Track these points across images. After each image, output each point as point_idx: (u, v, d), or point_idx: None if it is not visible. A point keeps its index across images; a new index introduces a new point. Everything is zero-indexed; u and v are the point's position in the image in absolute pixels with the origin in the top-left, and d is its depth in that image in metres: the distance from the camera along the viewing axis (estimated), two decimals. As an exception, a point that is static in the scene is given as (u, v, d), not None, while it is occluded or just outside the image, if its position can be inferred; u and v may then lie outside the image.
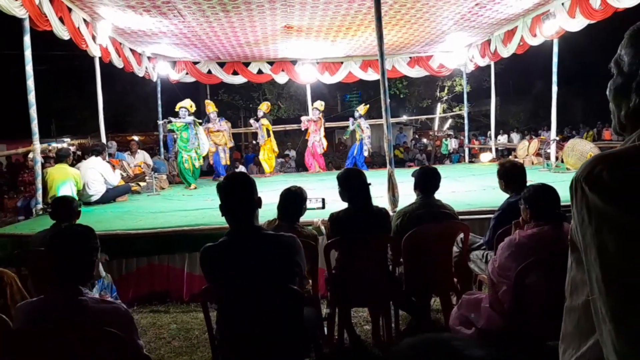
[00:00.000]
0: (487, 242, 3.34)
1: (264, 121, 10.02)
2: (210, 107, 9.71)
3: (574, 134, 18.19)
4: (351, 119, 10.50)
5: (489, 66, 11.08)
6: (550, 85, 8.74)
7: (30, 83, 5.85)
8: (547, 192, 2.50)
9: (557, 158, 8.67)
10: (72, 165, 6.76)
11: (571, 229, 0.88)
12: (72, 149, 9.05)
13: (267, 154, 10.20)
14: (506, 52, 9.23)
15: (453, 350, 0.61)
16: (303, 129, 10.78)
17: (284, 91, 19.36)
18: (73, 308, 1.67)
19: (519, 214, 2.75)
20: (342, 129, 22.81)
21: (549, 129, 15.30)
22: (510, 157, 11.89)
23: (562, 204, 2.59)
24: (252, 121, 10.41)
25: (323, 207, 3.46)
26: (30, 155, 6.62)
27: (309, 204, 3.77)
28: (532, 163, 9.00)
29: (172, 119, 8.38)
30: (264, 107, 10.29)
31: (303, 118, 10.77)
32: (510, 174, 3.39)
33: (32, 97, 5.85)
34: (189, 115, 8.37)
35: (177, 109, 8.41)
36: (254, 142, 10.45)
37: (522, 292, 2.35)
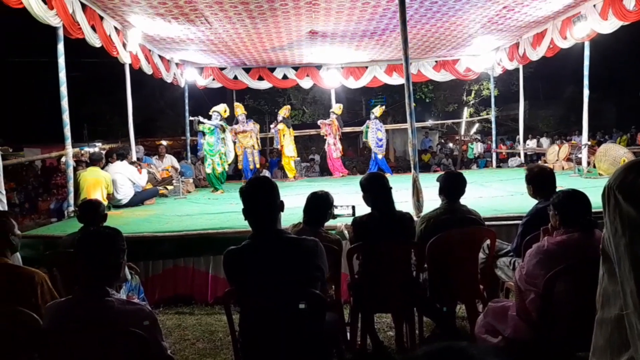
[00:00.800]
0: (514, 248, 3.26)
1: (280, 126, 10.00)
2: (239, 110, 9.75)
3: (606, 139, 17.63)
4: (368, 121, 10.44)
5: (517, 70, 10.88)
6: (581, 89, 8.51)
7: (64, 89, 6.04)
8: (577, 198, 2.42)
9: (588, 163, 8.42)
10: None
11: (603, 238, 0.85)
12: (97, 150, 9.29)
13: (285, 159, 10.20)
14: (535, 55, 9.04)
15: (470, 359, 0.59)
16: (321, 134, 10.72)
17: (308, 96, 19.45)
18: (99, 309, 1.71)
19: (547, 220, 2.67)
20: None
21: (580, 133, 14.91)
22: (539, 162, 11.61)
23: (593, 210, 2.51)
24: (272, 126, 10.44)
25: (353, 214, 3.41)
26: (63, 159, 6.83)
27: (338, 211, 3.74)
28: (563, 168, 8.76)
29: (202, 119, 8.39)
30: (283, 111, 10.25)
31: (320, 122, 10.72)
32: (539, 179, 3.30)
33: (65, 102, 6.05)
34: (221, 119, 8.43)
35: (210, 112, 8.48)
36: (278, 147, 10.43)
37: (550, 301, 2.29)
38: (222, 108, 8.54)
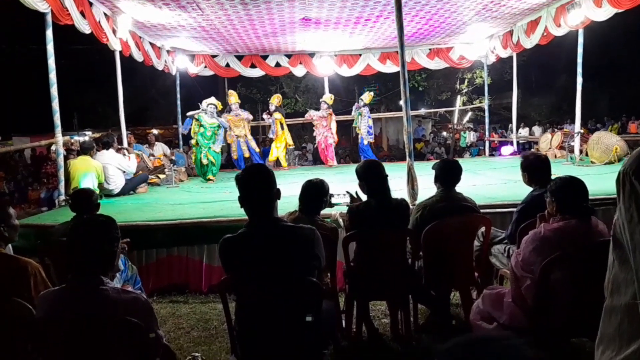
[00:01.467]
0: (509, 235, 3.27)
1: (277, 115, 9.89)
2: (233, 98, 9.53)
3: (598, 127, 17.73)
4: (355, 105, 10.35)
5: (510, 58, 10.84)
6: (574, 78, 8.51)
7: (53, 76, 5.94)
8: (574, 185, 2.42)
9: (581, 151, 8.46)
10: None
11: (615, 224, 0.83)
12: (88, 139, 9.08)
13: (280, 148, 10.07)
14: (529, 43, 9.01)
15: (508, 350, 0.57)
16: (315, 125, 10.58)
17: (301, 84, 19.32)
18: (94, 297, 1.68)
19: (542, 208, 2.68)
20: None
21: (572, 122, 14.95)
22: (532, 150, 11.66)
23: (590, 197, 2.52)
24: (265, 116, 10.27)
25: (351, 201, 3.39)
26: (53, 148, 6.73)
27: (335, 199, 3.72)
28: (555, 156, 8.79)
29: (204, 112, 8.22)
30: (275, 100, 10.09)
31: (312, 113, 10.52)
32: (535, 167, 3.30)
33: (54, 90, 5.94)
34: (217, 114, 8.36)
35: (205, 106, 8.25)
36: (270, 136, 10.29)
37: (547, 288, 2.29)
38: (215, 100, 8.40)
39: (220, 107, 8.47)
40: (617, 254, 0.82)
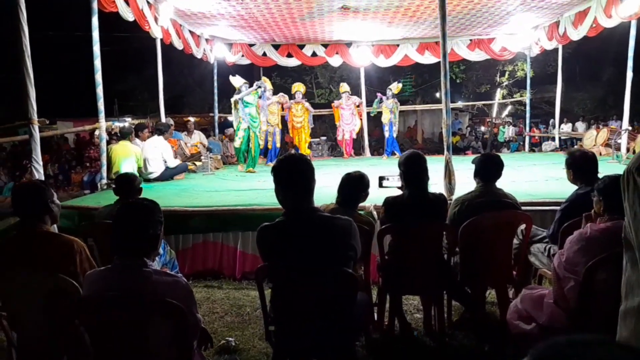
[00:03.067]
0: (551, 235, 3.16)
1: (306, 103, 9.81)
2: (267, 85, 9.25)
3: (646, 125, 16.91)
4: (382, 97, 10.10)
5: (553, 50, 10.43)
6: (621, 71, 8.12)
7: (97, 63, 6.11)
8: (624, 184, 2.32)
9: (628, 149, 8.08)
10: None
11: (624, 226, 0.79)
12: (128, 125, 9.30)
13: (305, 138, 9.99)
14: (576, 34, 8.63)
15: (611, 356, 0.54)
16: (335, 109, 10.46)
17: (336, 74, 19.22)
18: (138, 279, 1.73)
19: (588, 207, 2.58)
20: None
21: (619, 118, 14.30)
22: (575, 146, 11.24)
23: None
24: (291, 102, 9.98)
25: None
26: (97, 133, 6.97)
27: (387, 182, 3.73)
28: (600, 154, 8.43)
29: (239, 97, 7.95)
30: (301, 87, 9.92)
31: (336, 103, 10.51)
32: (581, 164, 3.18)
33: (98, 76, 6.12)
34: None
35: (238, 86, 8.01)
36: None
37: (591, 289, 2.21)
38: (242, 80, 8.13)
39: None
40: (629, 255, 0.78)
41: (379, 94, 10.36)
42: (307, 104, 9.95)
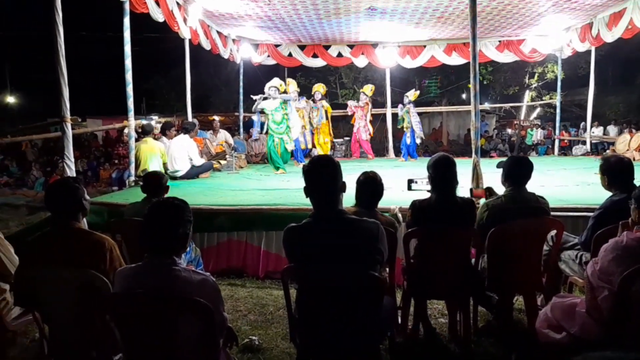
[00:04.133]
0: (583, 242, 3.07)
1: (325, 103, 9.77)
2: (292, 86, 9.20)
3: (682, 129, 16.28)
4: (400, 105, 10.10)
5: (585, 53, 10.15)
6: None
7: (128, 62, 6.25)
8: (663, 192, 2.23)
9: (663, 155, 7.82)
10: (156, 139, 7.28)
11: None
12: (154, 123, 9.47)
13: (324, 138, 9.96)
14: (610, 36, 8.38)
15: None
16: (350, 114, 10.44)
17: (360, 75, 19.15)
18: (167, 277, 1.76)
19: (622, 215, 2.49)
20: (419, 115, 22.30)
21: (653, 122, 13.85)
22: (607, 151, 10.92)
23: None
24: (309, 102, 9.86)
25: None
26: (126, 131, 7.13)
27: (416, 185, 3.73)
28: (634, 159, 8.17)
29: (263, 101, 7.85)
30: (321, 88, 9.90)
31: (350, 103, 10.49)
32: (616, 171, 3.07)
33: (129, 76, 6.26)
34: (280, 94, 7.92)
35: (267, 89, 7.90)
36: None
37: (626, 300, 2.14)
38: (277, 82, 8.07)
39: (282, 88, 8.10)
40: None
41: (400, 105, 10.32)
42: (325, 104, 9.91)
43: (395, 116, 11.04)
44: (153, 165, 6.56)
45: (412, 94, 9.99)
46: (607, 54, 15.68)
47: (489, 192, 3.60)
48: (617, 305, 2.15)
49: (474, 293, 3.13)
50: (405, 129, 10.00)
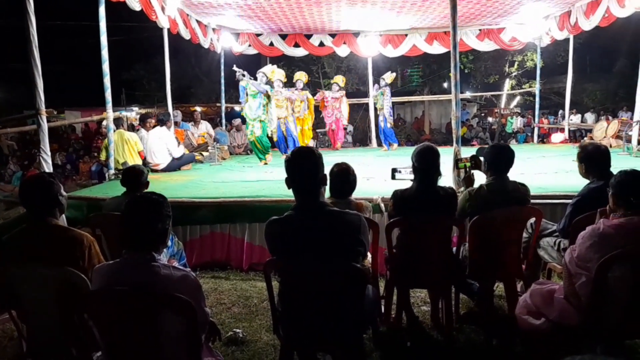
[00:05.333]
0: (561, 229, 3.13)
1: (308, 94, 9.44)
2: (277, 75, 8.56)
3: (657, 116, 16.65)
4: (376, 85, 9.97)
5: (563, 41, 10.26)
6: (633, 62, 7.98)
7: (105, 53, 6.10)
8: (639, 179, 2.27)
9: (639, 141, 7.97)
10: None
11: None
12: (133, 115, 9.28)
13: (306, 127, 9.53)
14: (588, 24, 8.48)
15: None
16: (318, 101, 10.10)
17: (343, 64, 19.08)
18: (146, 273, 1.73)
19: (600, 202, 2.54)
20: (401, 104, 22.36)
21: (629, 109, 14.11)
22: (585, 138, 11.12)
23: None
24: (293, 91, 9.32)
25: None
26: (104, 123, 7.00)
27: (399, 175, 3.75)
28: (611, 145, 8.31)
29: (249, 78, 7.59)
30: (303, 77, 9.43)
31: (326, 93, 10.23)
32: (593, 158, 3.12)
33: (106, 66, 6.11)
34: (267, 82, 7.73)
35: (258, 75, 7.68)
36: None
37: (603, 286, 2.18)
38: (269, 69, 7.83)
39: (272, 75, 7.86)
40: None
41: (375, 85, 10.18)
42: (307, 94, 9.58)
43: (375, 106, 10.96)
44: (127, 154, 6.57)
45: (388, 77, 9.86)
46: (585, 42, 15.90)
47: (474, 160, 3.60)
48: (594, 291, 2.19)
49: (455, 281, 3.18)
50: (379, 111, 9.89)
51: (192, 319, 1.68)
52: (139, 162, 6.68)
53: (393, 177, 4.12)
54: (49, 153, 4.81)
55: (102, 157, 7.00)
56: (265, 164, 7.65)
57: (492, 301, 3.45)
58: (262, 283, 4.09)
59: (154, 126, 7.26)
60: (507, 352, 2.96)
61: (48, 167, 4.70)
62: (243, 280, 4.39)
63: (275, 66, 8.02)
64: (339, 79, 10.20)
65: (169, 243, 3.10)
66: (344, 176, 3.11)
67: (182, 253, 3.43)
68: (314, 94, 10.15)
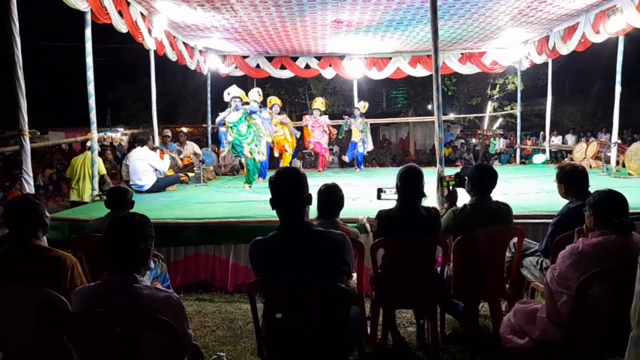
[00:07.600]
0: (543, 249, 3.17)
1: (286, 118, 9.25)
2: (252, 95, 7.77)
3: (635, 138, 17.12)
4: (348, 118, 10.03)
5: (543, 64, 10.58)
6: (610, 85, 8.24)
7: (90, 74, 6.10)
8: (614, 198, 2.34)
9: (617, 162, 8.18)
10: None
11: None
12: (125, 138, 9.30)
13: (287, 149, 9.35)
14: (565, 49, 8.77)
15: None
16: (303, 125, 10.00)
17: (329, 86, 19.34)
18: (128, 295, 1.71)
19: (579, 221, 2.59)
20: (387, 125, 22.63)
21: (607, 131, 14.48)
22: (566, 159, 11.36)
23: (630, 211, 2.43)
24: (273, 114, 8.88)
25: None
26: (88, 144, 6.95)
27: (385, 195, 3.79)
28: (590, 166, 8.51)
29: (226, 118, 7.19)
30: (277, 101, 9.23)
31: (307, 117, 10.02)
32: (571, 178, 3.20)
33: (91, 87, 6.11)
34: (243, 104, 7.24)
35: (226, 97, 7.24)
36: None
37: (583, 304, 2.22)
38: (238, 92, 7.21)
39: (245, 98, 7.40)
40: None
41: (345, 117, 10.33)
42: (282, 118, 9.19)
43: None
44: (86, 174, 6.87)
45: (362, 106, 10.05)
46: (564, 66, 16.39)
47: (458, 178, 3.66)
48: (574, 309, 2.22)
49: (440, 301, 3.19)
50: (355, 142, 9.93)
51: (174, 340, 1.66)
52: (89, 186, 6.86)
53: (379, 197, 4.15)
54: (32, 175, 4.74)
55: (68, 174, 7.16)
56: (250, 187, 7.31)
57: (477, 321, 3.46)
58: (247, 305, 4.03)
59: (134, 147, 7.24)
60: (493, 372, 2.96)
61: (30, 189, 4.63)
62: (228, 302, 4.33)
63: (236, 87, 7.41)
64: (320, 104, 9.93)
65: (152, 265, 3.06)
66: (331, 195, 3.13)
67: (166, 275, 3.38)
68: (300, 116, 10.17)
